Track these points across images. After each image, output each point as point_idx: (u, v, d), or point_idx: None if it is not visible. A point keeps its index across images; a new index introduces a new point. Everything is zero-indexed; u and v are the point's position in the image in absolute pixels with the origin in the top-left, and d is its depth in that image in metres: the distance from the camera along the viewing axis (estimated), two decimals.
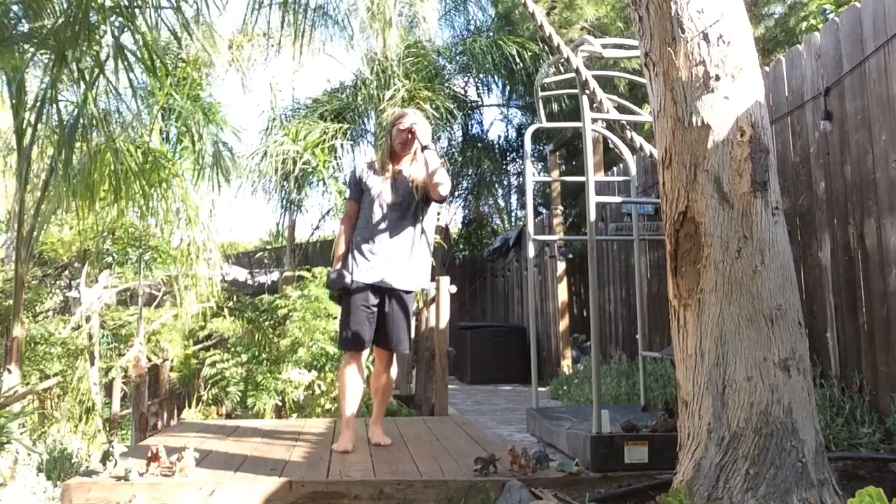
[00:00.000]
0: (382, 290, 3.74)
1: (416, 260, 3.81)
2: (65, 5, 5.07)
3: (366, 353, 3.85)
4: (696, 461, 2.39)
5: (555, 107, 9.44)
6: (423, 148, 3.73)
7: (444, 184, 3.69)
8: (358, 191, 3.86)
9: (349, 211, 3.88)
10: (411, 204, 3.79)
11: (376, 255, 3.72)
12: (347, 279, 3.69)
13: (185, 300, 7.09)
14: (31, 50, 5.19)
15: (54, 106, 5.30)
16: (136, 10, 4.88)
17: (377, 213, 3.76)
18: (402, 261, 3.75)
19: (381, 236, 3.74)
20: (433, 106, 9.89)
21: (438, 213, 5.73)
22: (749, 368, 2.36)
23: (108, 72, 5.13)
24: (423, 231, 3.84)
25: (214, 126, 7.25)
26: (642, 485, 2.90)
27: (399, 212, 3.77)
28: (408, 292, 3.82)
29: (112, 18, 4.89)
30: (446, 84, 10.99)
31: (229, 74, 11.24)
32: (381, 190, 3.78)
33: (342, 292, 3.72)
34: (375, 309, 3.75)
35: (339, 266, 3.76)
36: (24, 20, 5.15)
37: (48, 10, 5.12)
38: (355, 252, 3.75)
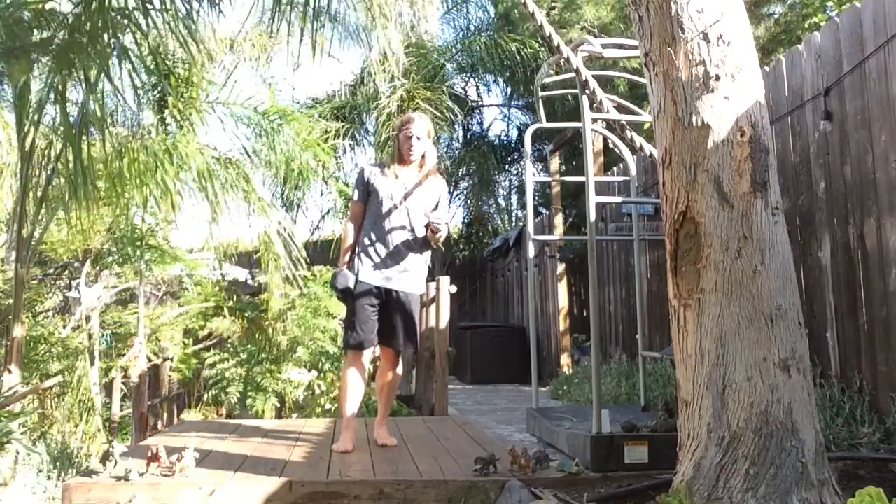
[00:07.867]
0: (388, 291, 3.77)
1: (422, 262, 3.87)
2: (71, 8, 5.09)
3: (368, 353, 3.86)
4: (696, 461, 2.39)
5: (555, 107, 9.42)
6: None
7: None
8: (365, 192, 3.88)
9: (356, 211, 3.90)
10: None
11: (383, 256, 3.76)
12: (351, 281, 3.73)
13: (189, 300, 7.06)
14: (43, 59, 5.23)
15: (57, 107, 5.30)
16: (139, 14, 4.88)
17: (385, 216, 3.80)
18: (409, 263, 3.80)
19: (389, 238, 3.78)
20: (433, 105, 9.88)
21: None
22: (749, 368, 2.36)
23: (112, 71, 5.13)
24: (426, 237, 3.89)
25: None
26: (642, 485, 2.90)
27: (406, 216, 3.82)
28: (414, 293, 3.86)
29: (118, 19, 4.90)
30: (446, 84, 10.97)
31: (226, 74, 11.21)
32: (390, 193, 3.82)
33: (346, 293, 3.76)
34: (380, 309, 3.77)
35: (344, 268, 3.80)
36: (35, 29, 5.19)
37: (56, 17, 5.15)
38: (361, 253, 3.79)
